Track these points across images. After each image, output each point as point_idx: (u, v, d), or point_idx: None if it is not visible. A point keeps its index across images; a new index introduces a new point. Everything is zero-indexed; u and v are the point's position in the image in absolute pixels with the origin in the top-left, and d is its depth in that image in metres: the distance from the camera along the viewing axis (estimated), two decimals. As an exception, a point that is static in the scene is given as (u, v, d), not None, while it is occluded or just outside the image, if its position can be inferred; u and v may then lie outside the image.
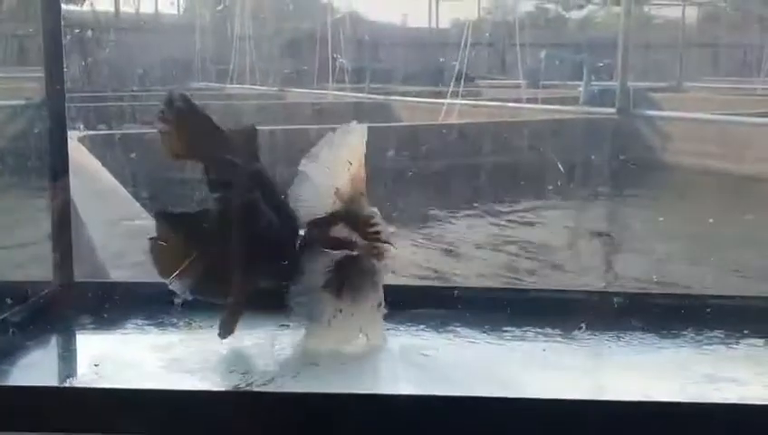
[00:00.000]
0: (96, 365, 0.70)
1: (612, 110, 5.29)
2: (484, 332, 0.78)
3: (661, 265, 3.13)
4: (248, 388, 0.64)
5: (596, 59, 7.43)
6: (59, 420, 0.62)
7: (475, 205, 4.08)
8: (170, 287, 0.71)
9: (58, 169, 0.83)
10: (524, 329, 0.79)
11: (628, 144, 4.93)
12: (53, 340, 0.77)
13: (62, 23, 0.82)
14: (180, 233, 0.71)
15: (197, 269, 0.71)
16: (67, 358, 0.76)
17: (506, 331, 0.79)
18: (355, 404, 0.62)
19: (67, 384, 0.67)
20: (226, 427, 0.62)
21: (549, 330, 0.79)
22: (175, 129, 0.70)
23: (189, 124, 0.70)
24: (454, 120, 5.46)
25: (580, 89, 6.57)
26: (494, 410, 0.61)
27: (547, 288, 0.89)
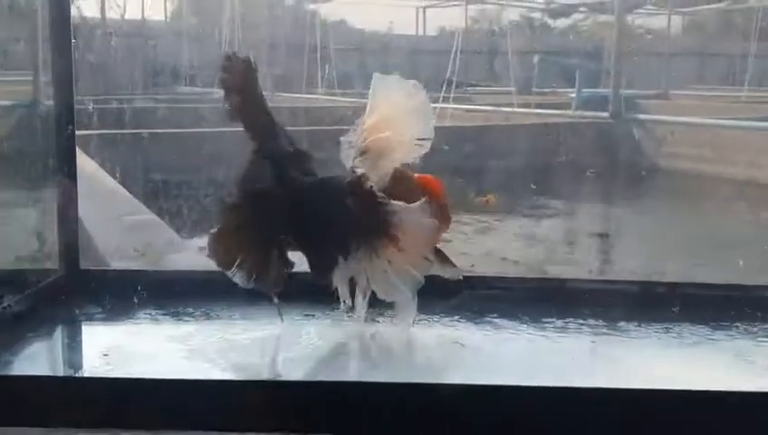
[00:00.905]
0: (106, 355, 0.64)
1: (606, 114, 5.32)
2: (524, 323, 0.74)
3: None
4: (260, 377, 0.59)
5: (586, 66, 7.45)
6: (68, 412, 0.56)
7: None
8: (233, 278, 0.66)
9: (66, 164, 0.82)
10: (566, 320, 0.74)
11: (625, 145, 4.96)
12: (59, 330, 0.72)
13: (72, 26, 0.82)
14: (253, 219, 0.66)
15: (258, 258, 0.66)
16: (74, 348, 0.70)
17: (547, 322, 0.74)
18: (373, 393, 0.57)
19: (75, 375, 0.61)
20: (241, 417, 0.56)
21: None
22: (240, 82, 0.65)
23: (252, 83, 0.66)
24: (446, 123, 5.44)
25: (572, 95, 6.59)
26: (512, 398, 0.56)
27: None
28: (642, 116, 5.57)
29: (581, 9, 13.79)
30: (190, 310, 0.75)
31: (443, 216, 0.70)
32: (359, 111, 0.71)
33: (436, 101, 6.83)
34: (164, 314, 0.74)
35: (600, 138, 4.80)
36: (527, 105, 6.43)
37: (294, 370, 0.62)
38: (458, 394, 0.57)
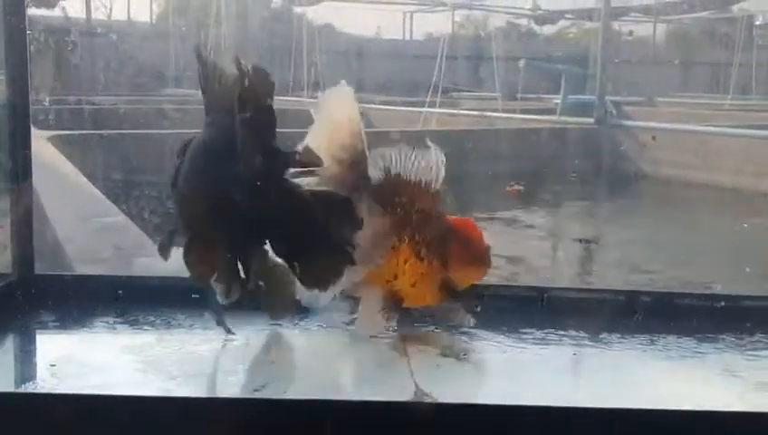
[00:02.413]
0: (53, 366, 0.60)
1: (591, 120, 5.33)
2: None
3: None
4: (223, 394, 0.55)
5: (572, 72, 7.47)
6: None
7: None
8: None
9: (21, 166, 0.78)
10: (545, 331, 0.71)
11: (608, 150, 4.97)
12: (8, 338, 0.67)
13: (27, 24, 0.78)
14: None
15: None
16: (22, 359, 0.65)
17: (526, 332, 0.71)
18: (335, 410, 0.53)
19: (21, 390, 0.57)
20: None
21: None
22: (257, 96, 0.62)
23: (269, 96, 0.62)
24: (432, 127, 5.43)
25: (556, 101, 6.60)
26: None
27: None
28: (627, 122, 5.59)
29: (568, 16, 13.87)
30: (151, 318, 0.71)
31: (483, 260, 0.69)
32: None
33: (421, 105, 6.82)
34: (122, 323, 0.70)
35: (583, 143, 4.81)
36: (512, 110, 6.44)
37: (250, 384, 0.58)
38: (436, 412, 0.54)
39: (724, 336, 0.71)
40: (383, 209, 0.66)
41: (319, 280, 0.63)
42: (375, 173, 0.66)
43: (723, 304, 0.76)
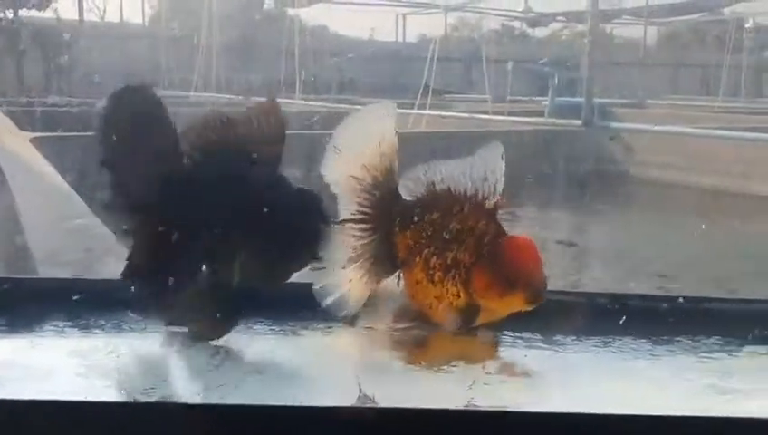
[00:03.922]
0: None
1: (578, 121, 5.35)
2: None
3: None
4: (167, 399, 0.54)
5: (561, 74, 7.49)
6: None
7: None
8: None
9: None
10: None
11: (594, 153, 4.99)
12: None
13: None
14: None
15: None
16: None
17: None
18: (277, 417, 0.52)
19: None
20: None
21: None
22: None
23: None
24: (422, 129, 5.43)
25: (545, 103, 6.62)
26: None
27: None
28: (614, 124, 5.61)
29: (559, 19, 13.91)
30: (102, 322, 0.70)
31: (516, 291, 0.61)
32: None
33: (411, 107, 6.83)
34: (72, 326, 0.69)
35: (568, 144, 4.82)
36: (501, 112, 6.45)
37: (196, 391, 0.58)
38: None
39: (680, 338, 0.71)
40: (408, 228, 0.63)
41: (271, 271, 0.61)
42: (418, 188, 0.64)
43: (681, 304, 0.76)
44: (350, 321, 0.65)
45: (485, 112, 6.20)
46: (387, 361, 0.65)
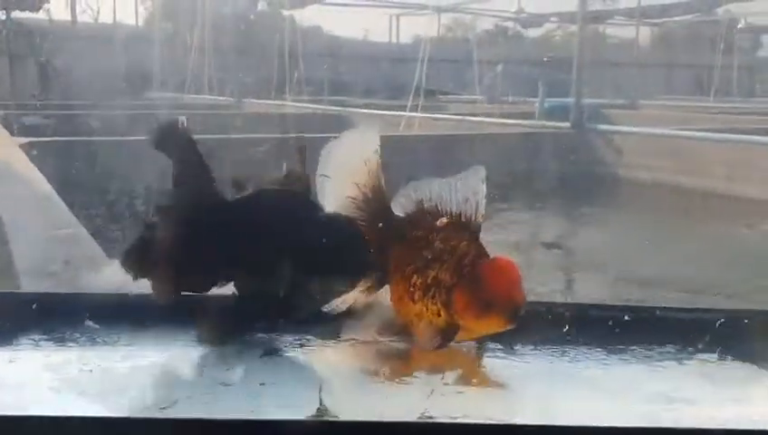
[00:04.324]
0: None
1: (567, 124, 5.38)
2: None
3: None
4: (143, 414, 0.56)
5: (552, 75, 7.52)
6: None
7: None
8: None
9: None
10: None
11: (582, 155, 5.03)
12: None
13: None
14: None
15: None
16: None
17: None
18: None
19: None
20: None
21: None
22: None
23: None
24: (413, 131, 5.45)
25: (537, 104, 6.65)
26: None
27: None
28: (603, 126, 5.64)
29: (552, 19, 13.95)
30: (77, 335, 0.72)
31: (493, 312, 0.62)
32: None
33: (404, 109, 6.85)
34: (47, 340, 0.71)
35: (556, 147, 4.85)
36: (492, 114, 6.48)
37: (167, 404, 0.60)
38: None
39: (634, 347, 0.74)
40: (398, 244, 0.66)
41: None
42: (408, 205, 0.67)
43: (637, 313, 0.79)
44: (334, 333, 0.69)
45: (475, 114, 6.23)
46: (352, 372, 0.68)
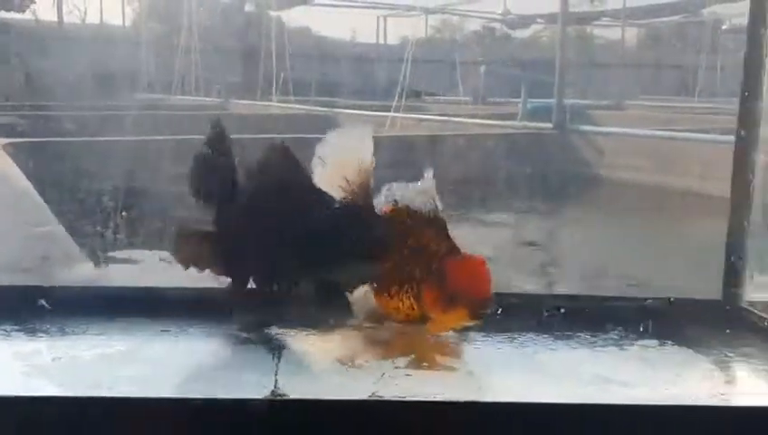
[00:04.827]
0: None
1: (549, 125, 5.44)
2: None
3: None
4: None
5: (537, 77, 7.58)
6: None
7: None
8: None
9: None
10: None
11: (564, 156, 5.08)
12: None
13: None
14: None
15: None
16: None
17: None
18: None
19: None
20: None
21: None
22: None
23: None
24: (396, 132, 5.49)
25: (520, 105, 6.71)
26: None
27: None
28: (585, 127, 5.71)
29: (539, 21, 14.01)
30: (47, 326, 0.75)
31: (458, 306, 0.67)
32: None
33: (388, 109, 6.88)
34: (18, 330, 0.74)
35: (537, 147, 4.91)
36: (475, 115, 6.53)
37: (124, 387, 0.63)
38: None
39: (581, 334, 0.78)
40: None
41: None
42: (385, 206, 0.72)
43: (586, 302, 0.83)
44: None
45: (459, 115, 6.29)
46: (309, 356, 0.71)
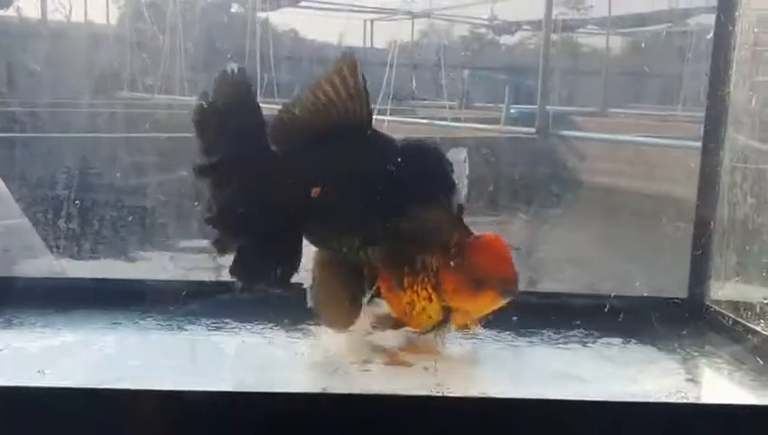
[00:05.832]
0: None
1: (532, 129, 5.46)
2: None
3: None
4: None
5: (523, 82, 7.59)
6: None
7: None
8: None
9: None
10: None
11: (545, 160, 5.09)
12: None
13: None
14: None
15: None
16: None
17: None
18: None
19: None
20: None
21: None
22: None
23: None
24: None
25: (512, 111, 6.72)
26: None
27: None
28: (567, 132, 5.73)
29: (525, 27, 14.09)
30: (-2, 319, 0.73)
31: (485, 288, 0.61)
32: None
33: (380, 113, 6.84)
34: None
35: (518, 152, 4.91)
36: (459, 119, 6.54)
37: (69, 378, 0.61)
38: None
39: (544, 331, 0.76)
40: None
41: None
42: None
43: (552, 299, 0.81)
44: None
45: (444, 119, 6.29)
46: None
